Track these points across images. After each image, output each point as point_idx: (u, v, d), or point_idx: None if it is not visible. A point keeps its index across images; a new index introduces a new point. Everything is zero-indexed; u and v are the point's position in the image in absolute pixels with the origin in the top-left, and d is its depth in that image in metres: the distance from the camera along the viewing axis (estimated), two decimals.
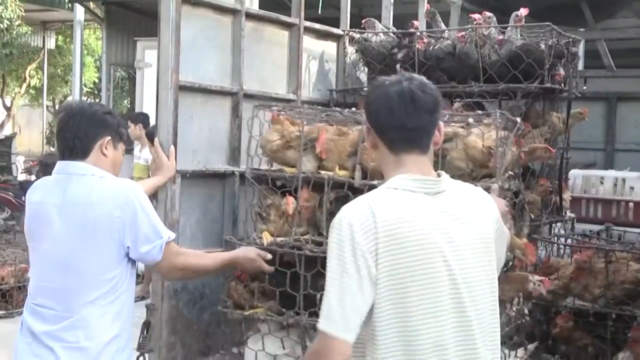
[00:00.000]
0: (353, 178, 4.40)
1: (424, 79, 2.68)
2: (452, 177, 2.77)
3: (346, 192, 4.36)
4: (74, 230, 3.21)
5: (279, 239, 4.44)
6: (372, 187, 4.18)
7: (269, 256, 4.10)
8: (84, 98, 13.66)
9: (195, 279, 3.64)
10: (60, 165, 3.38)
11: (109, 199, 3.24)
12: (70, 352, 3.19)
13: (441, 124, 2.68)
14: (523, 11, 5.75)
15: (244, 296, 4.55)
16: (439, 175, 2.66)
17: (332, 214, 4.25)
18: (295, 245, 4.37)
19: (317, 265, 4.21)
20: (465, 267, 2.55)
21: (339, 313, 2.44)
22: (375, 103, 2.65)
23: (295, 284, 4.34)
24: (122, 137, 3.52)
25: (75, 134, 3.37)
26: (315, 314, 4.25)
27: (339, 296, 2.44)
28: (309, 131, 4.58)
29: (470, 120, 4.30)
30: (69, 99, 27.14)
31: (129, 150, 11.44)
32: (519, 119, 4.51)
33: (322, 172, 4.52)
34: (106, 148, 3.39)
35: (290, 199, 4.42)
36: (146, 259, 3.32)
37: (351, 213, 2.52)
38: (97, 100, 30.71)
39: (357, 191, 4.26)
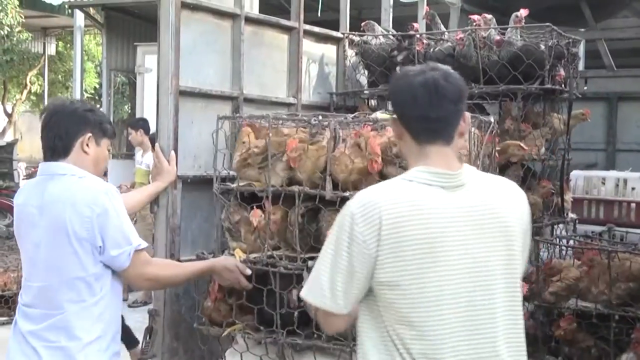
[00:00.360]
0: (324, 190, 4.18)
1: (448, 68, 2.65)
2: None
3: (317, 204, 4.19)
4: (52, 229, 3.23)
5: (252, 256, 4.29)
6: (344, 199, 4.03)
7: (248, 271, 4.04)
8: None
9: (165, 288, 3.61)
10: (42, 166, 3.40)
11: (81, 198, 3.23)
12: (51, 351, 3.22)
13: (467, 114, 2.67)
14: (523, 12, 5.75)
15: (221, 312, 4.45)
16: (460, 168, 2.63)
17: (303, 229, 4.23)
18: (268, 262, 4.24)
19: (292, 282, 4.18)
20: (478, 263, 2.53)
21: (329, 291, 2.55)
22: (399, 93, 2.65)
23: (271, 301, 4.27)
24: (106, 133, 3.48)
25: (56, 133, 3.38)
26: (294, 332, 4.25)
27: (330, 276, 2.54)
28: (278, 141, 4.34)
29: None
30: None
31: (130, 156, 11.47)
32: (492, 118, 4.47)
33: (293, 186, 4.28)
34: (87, 145, 3.38)
35: (257, 212, 4.24)
36: (114, 264, 3.28)
37: (357, 202, 2.54)
38: (98, 105, 30.79)
39: (328, 204, 4.18)
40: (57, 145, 3.37)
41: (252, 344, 4.44)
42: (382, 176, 4.06)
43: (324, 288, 2.55)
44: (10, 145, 16.26)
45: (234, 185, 4.47)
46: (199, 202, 4.94)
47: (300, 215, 4.22)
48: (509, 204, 2.65)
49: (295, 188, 4.23)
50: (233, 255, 4.28)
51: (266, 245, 4.27)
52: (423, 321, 2.48)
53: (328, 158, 4.16)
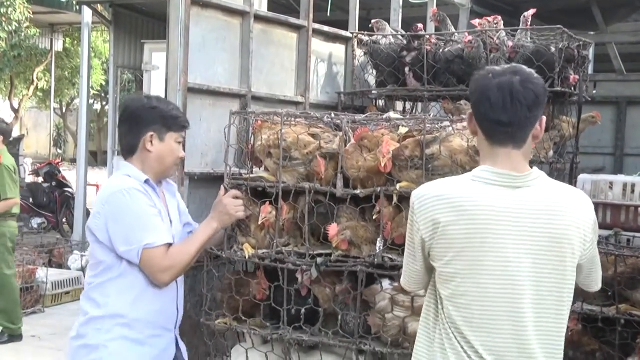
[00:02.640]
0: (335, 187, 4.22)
1: (531, 73, 2.67)
2: None
3: (328, 202, 4.22)
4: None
5: (260, 252, 4.28)
6: (355, 197, 4.15)
7: (237, 192, 3.92)
8: (91, 101, 13.67)
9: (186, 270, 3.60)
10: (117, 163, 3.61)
11: (100, 195, 3.48)
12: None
13: (544, 117, 2.69)
14: (530, 12, 5.74)
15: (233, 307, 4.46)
16: (527, 171, 2.67)
17: (313, 226, 4.24)
18: (277, 258, 4.24)
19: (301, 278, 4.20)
20: (529, 262, 2.58)
21: (405, 273, 2.86)
22: (477, 93, 2.67)
23: (278, 297, 4.29)
24: (172, 127, 3.57)
25: (123, 132, 3.60)
26: (300, 329, 4.24)
27: (405, 260, 2.83)
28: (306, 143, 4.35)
29: (446, 123, 4.15)
30: (76, 101, 27.23)
31: None
32: None
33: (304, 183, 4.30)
34: (151, 143, 3.52)
35: (267, 207, 4.21)
36: (127, 258, 3.41)
37: (415, 195, 2.71)
38: (104, 103, 30.87)
39: (339, 201, 4.20)
40: (124, 144, 3.59)
41: (258, 341, 4.43)
42: (392, 180, 4.11)
43: (418, 275, 2.79)
44: (17, 141, 16.26)
45: (244, 180, 4.43)
46: (207, 199, 4.92)
47: (310, 212, 4.22)
48: (571, 213, 2.65)
49: (306, 185, 4.23)
50: (242, 250, 4.27)
51: (275, 242, 4.26)
52: (472, 311, 2.60)
53: (340, 155, 4.19)
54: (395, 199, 4.06)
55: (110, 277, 3.43)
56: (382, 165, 4.00)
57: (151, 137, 3.51)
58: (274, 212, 4.21)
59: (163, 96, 4.83)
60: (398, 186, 4.03)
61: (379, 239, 4.09)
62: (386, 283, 4.12)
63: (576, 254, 2.66)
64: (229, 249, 4.30)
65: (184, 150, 4.64)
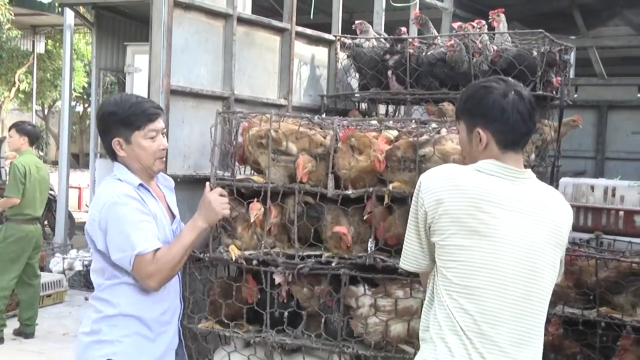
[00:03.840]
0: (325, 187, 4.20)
1: (521, 85, 2.97)
2: None
3: (318, 202, 4.19)
4: None
5: (247, 252, 4.24)
6: (346, 198, 4.12)
7: (221, 191, 3.80)
8: (73, 103, 13.55)
9: (176, 271, 3.56)
10: None
11: (94, 202, 3.47)
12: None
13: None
14: (497, 10, 5.81)
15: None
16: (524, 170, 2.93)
17: (300, 227, 4.19)
18: (265, 260, 4.19)
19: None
20: (531, 243, 2.80)
21: (404, 252, 3.00)
22: (489, 108, 2.89)
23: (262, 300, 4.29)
24: (135, 125, 3.47)
25: (101, 140, 3.63)
26: (283, 332, 4.24)
27: (406, 238, 2.98)
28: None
29: (434, 125, 4.18)
30: (58, 103, 27.12)
31: None
32: None
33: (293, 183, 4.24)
34: (120, 148, 3.50)
35: (256, 204, 4.17)
36: (120, 265, 3.41)
37: (425, 175, 2.91)
38: (86, 105, 30.72)
39: (329, 201, 4.18)
40: (107, 151, 3.59)
41: (240, 344, 4.42)
42: (383, 180, 4.09)
43: (415, 254, 2.95)
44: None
45: (231, 180, 4.39)
46: (189, 202, 4.90)
47: (299, 213, 4.20)
48: (561, 211, 2.94)
49: (295, 185, 4.18)
50: (228, 251, 4.24)
51: (263, 242, 4.23)
52: (474, 287, 2.78)
53: (330, 155, 4.18)
54: (387, 199, 4.04)
55: (119, 281, 3.45)
56: (378, 162, 3.99)
57: (118, 142, 3.49)
58: (262, 210, 4.18)
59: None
60: (390, 186, 4.01)
61: (370, 239, 4.08)
62: (363, 290, 4.11)
63: (563, 246, 2.93)
64: (214, 250, 4.26)
65: (167, 152, 4.66)
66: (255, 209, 4.14)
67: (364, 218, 4.10)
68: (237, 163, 4.67)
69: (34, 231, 8.25)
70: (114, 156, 3.56)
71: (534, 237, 2.80)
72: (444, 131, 4.09)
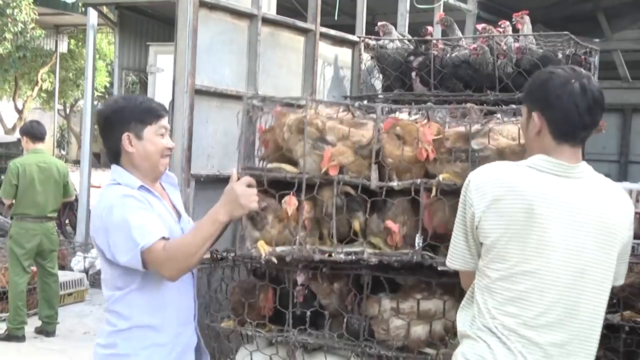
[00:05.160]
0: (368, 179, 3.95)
1: (591, 76, 2.86)
2: None
3: (360, 194, 3.92)
4: None
5: (278, 249, 3.94)
6: (390, 190, 3.92)
7: (253, 181, 3.38)
8: (95, 102, 13.61)
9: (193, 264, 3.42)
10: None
11: (95, 210, 3.38)
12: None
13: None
14: (522, 12, 5.79)
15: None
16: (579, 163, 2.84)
17: (338, 222, 3.94)
18: (299, 258, 3.95)
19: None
20: (574, 249, 2.73)
21: (451, 249, 2.95)
22: (559, 98, 2.78)
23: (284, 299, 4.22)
24: (145, 120, 3.39)
25: (103, 141, 3.48)
26: (305, 331, 4.20)
27: (453, 237, 2.93)
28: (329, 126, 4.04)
29: (498, 116, 4.03)
30: (80, 103, 27.26)
31: None
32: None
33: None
34: (130, 144, 3.38)
35: (292, 199, 3.89)
36: (131, 267, 3.28)
37: (474, 173, 2.86)
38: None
39: (373, 194, 3.95)
40: (108, 152, 3.47)
41: (263, 343, 4.42)
42: (428, 174, 3.92)
43: (463, 253, 2.90)
44: (20, 142, 16.27)
45: (261, 170, 4.11)
46: (213, 202, 4.90)
47: (338, 206, 3.94)
48: (617, 211, 2.82)
49: (335, 177, 3.91)
50: (256, 247, 3.95)
51: (297, 237, 3.94)
52: (519, 288, 2.73)
53: (373, 145, 3.92)
54: (435, 191, 3.82)
55: (129, 290, 3.36)
56: (425, 152, 3.77)
57: (128, 137, 3.37)
58: (297, 204, 3.90)
59: (170, 98, 4.83)
60: (440, 177, 3.82)
61: (417, 235, 3.87)
62: (385, 298, 4.07)
63: (618, 246, 2.82)
64: (240, 246, 4.02)
65: (190, 151, 4.68)
66: (292, 204, 3.87)
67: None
68: (259, 153, 4.45)
69: (36, 229, 8.25)
70: (115, 157, 3.44)
71: (582, 240, 2.73)
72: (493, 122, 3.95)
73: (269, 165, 4.21)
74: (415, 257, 3.87)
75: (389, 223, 3.92)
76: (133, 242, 3.20)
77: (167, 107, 4.50)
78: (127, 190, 3.32)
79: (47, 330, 8.36)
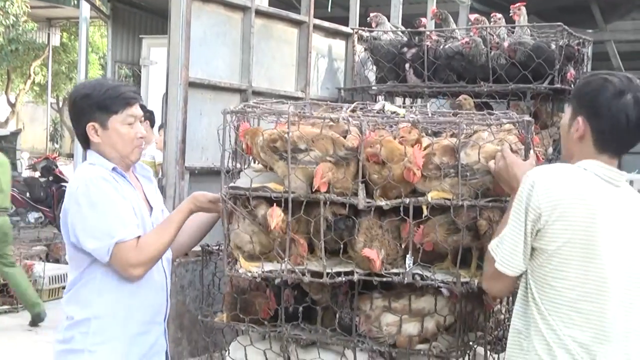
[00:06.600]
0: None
1: None
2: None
3: (347, 214, 3.64)
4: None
5: (267, 268, 3.69)
6: (379, 209, 3.64)
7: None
8: None
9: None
10: None
11: (68, 188, 3.28)
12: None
13: None
14: (518, 4, 5.79)
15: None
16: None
17: (328, 241, 3.65)
18: (287, 280, 3.83)
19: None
20: (635, 258, 2.71)
21: (503, 252, 2.76)
22: (610, 108, 2.71)
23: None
24: (112, 109, 3.24)
25: (73, 127, 3.38)
26: (298, 326, 4.18)
27: (507, 238, 2.74)
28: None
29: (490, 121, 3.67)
30: None
31: None
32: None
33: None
34: (95, 133, 3.26)
35: (276, 209, 3.54)
36: (95, 255, 3.18)
37: (537, 174, 2.72)
38: None
39: (360, 213, 3.68)
40: (79, 139, 3.36)
41: (256, 337, 4.42)
42: (415, 190, 3.66)
43: (518, 257, 2.73)
44: (14, 135, 16.28)
45: (245, 189, 3.75)
46: None
47: (327, 225, 3.67)
48: None
49: (321, 195, 3.61)
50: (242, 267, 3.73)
51: (286, 258, 3.66)
52: (578, 294, 2.67)
53: (360, 162, 3.62)
54: (425, 211, 3.58)
55: (92, 277, 3.22)
56: (411, 174, 3.49)
57: (93, 127, 3.24)
58: (283, 216, 3.59)
59: (163, 91, 4.82)
60: (429, 196, 3.56)
61: (407, 256, 3.68)
62: (377, 296, 4.02)
63: None
64: (228, 266, 3.77)
65: (184, 143, 4.67)
66: (275, 215, 3.53)
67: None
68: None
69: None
70: (86, 144, 3.33)
71: (636, 250, 2.71)
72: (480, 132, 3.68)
73: (254, 185, 3.75)
74: (405, 278, 3.65)
75: (366, 251, 3.61)
76: (107, 233, 3.12)
77: (161, 100, 4.50)
78: (104, 173, 3.21)
79: (32, 320, 8.53)
